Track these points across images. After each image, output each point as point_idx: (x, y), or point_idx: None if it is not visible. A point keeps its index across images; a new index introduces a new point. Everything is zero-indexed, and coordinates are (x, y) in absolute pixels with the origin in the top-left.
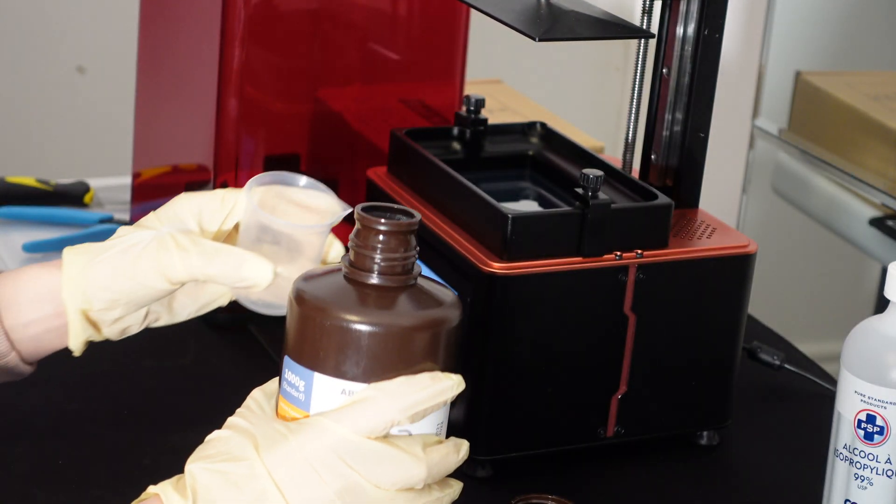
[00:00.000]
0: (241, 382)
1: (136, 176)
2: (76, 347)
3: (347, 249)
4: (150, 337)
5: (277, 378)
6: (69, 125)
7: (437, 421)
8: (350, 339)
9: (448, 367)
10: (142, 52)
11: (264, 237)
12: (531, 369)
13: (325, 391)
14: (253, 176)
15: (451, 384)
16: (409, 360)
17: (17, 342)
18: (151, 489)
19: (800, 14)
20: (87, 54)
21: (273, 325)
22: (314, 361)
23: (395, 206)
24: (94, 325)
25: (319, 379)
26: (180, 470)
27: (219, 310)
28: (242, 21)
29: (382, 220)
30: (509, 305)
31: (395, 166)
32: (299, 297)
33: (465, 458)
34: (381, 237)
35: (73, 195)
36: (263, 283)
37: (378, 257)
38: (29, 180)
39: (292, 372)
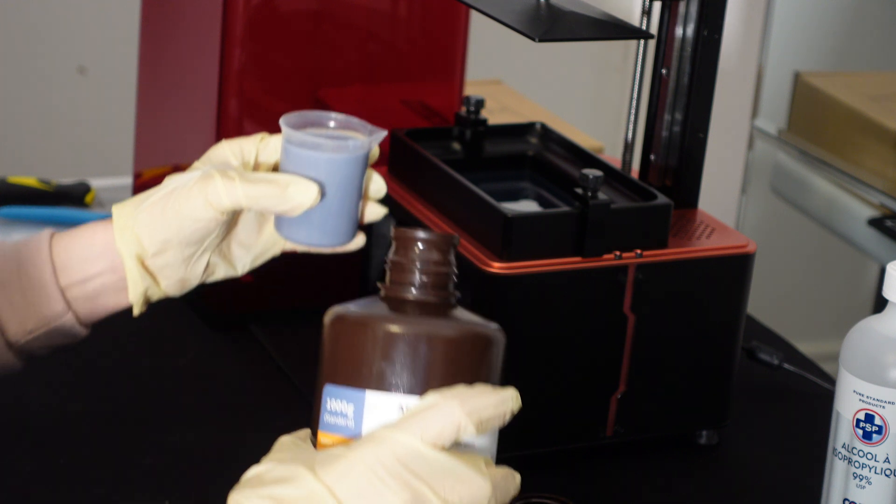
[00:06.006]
0: (241, 382)
1: (137, 176)
2: (136, 300)
3: (384, 274)
4: (150, 336)
5: (308, 429)
6: (70, 125)
7: (490, 449)
8: (408, 347)
9: None
10: (143, 52)
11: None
12: (531, 369)
13: (379, 409)
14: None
15: (512, 394)
16: (468, 371)
17: (73, 301)
18: None
19: (799, 14)
20: (87, 54)
21: (273, 325)
22: (365, 380)
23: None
24: (152, 275)
25: (372, 397)
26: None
27: (219, 310)
28: (243, 21)
29: (421, 231)
30: (509, 305)
31: (395, 166)
32: (340, 317)
33: (519, 489)
34: (420, 246)
35: (75, 195)
36: (308, 201)
37: (420, 268)
38: (30, 180)
39: (336, 398)
